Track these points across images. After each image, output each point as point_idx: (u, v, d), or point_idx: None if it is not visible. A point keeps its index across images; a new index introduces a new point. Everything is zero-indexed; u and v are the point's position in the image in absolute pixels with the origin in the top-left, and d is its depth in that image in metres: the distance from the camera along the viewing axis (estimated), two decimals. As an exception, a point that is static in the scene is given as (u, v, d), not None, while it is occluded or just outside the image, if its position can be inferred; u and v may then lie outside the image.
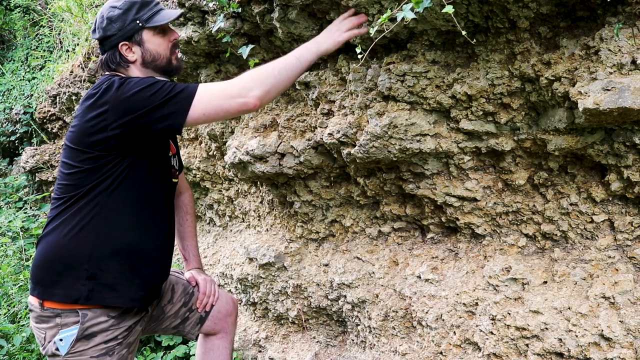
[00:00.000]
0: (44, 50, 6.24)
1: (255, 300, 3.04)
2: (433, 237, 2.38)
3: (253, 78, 1.69)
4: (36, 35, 6.55)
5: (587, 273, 1.93)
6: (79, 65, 4.05)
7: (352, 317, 2.61)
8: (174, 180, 1.99)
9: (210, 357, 2.18)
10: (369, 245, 2.57)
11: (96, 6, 4.03)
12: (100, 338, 1.76)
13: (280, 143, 2.57)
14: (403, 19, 1.69)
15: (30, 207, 5.53)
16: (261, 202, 3.06)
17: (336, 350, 2.75)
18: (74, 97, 4.20)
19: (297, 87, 2.45)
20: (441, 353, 2.17)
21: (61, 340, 1.74)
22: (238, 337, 3.13)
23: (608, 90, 1.60)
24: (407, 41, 2.04)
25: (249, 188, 3.13)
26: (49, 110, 5.16)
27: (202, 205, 3.64)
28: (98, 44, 1.89)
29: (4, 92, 6.28)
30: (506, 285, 2.05)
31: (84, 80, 3.97)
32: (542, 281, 2.01)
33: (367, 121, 2.15)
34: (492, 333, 2.03)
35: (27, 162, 5.25)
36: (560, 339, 1.88)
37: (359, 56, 1.95)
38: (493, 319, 2.03)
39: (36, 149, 5.34)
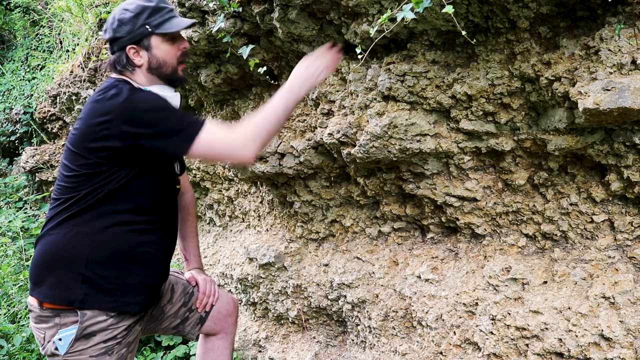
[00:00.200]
0: (44, 50, 6.24)
1: (255, 300, 3.04)
2: (433, 237, 2.38)
3: (254, 134, 1.73)
4: (36, 35, 6.55)
5: (587, 273, 1.93)
6: (79, 65, 4.05)
7: (352, 317, 2.61)
8: (177, 187, 1.99)
9: (210, 357, 2.17)
10: (369, 245, 2.57)
11: (96, 6, 4.03)
12: (99, 337, 1.76)
13: (280, 143, 2.57)
14: (403, 19, 1.69)
15: (30, 207, 5.53)
16: (261, 202, 3.06)
17: (336, 350, 2.75)
18: (74, 97, 4.20)
19: (297, 87, 2.45)
20: (441, 353, 2.17)
21: (60, 339, 1.74)
22: (238, 337, 3.13)
23: (608, 90, 1.60)
24: (407, 41, 2.04)
25: (249, 188, 3.13)
26: (49, 110, 5.15)
27: (202, 205, 3.64)
28: (108, 44, 1.89)
29: (4, 92, 6.28)
30: (506, 285, 2.05)
31: (84, 80, 3.97)
32: (542, 281, 2.01)
33: (367, 121, 2.15)
34: (492, 333, 2.03)
35: (27, 162, 5.25)
36: (560, 339, 1.88)
37: (359, 56, 1.95)
38: (493, 319, 2.03)
39: (36, 149, 5.34)
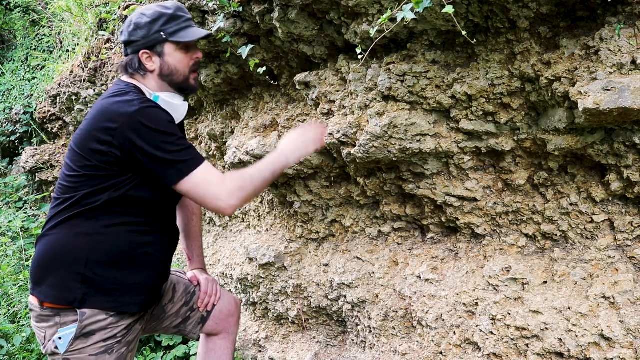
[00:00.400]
0: (44, 50, 6.24)
1: (255, 300, 3.04)
2: (433, 237, 2.38)
3: (240, 189, 1.76)
4: (36, 35, 6.55)
5: (587, 273, 1.93)
6: (79, 65, 4.05)
7: (352, 317, 2.61)
8: None
9: (211, 357, 2.17)
10: (369, 245, 2.57)
11: (96, 6, 4.03)
12: (98, 336, 1.76)
13: (280, 143, 2.57)
14: (403, 19, 1.69)
15: (30, 207, 5.53)
16: (261, 202, 3.06)
17: (336, 350, 2.75)
18: (74, 97, 4.20)
19: (297, 87, 2.45)
20: (441, 353, 2.17)
21: (60, 338, 1.75)
22: (238, 337, 3.13)
23: (608, 90, 1.60)
24: (407, 41, 2.04)
25: (249, 188, 3.13)
26: (49, 110, 5.16)
27: (202, 205, 3.64)
28: (123, 46, 1.90)
29: (4, 92, 6.28)
30: (506, 285, 2.05)
31: (84, 80, 3.97)
32: (542, 281, 2.01)
33: (367, 121, 2.15)
34: (492, 333, 2.03)
35: (27, 162, 5.25)
36: (560, 339, 1.88)
37: (359, 56, 1.96)
38: (493, 319, 2.03)
39: (36, 149, 5.34)
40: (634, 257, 1.87)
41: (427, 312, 2.23)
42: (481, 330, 2.06)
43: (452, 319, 2.16)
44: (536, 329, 1.92)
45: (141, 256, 1.82)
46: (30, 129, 5.58)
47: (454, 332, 2.15)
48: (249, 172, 1.83)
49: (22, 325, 3.51)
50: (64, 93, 4.28)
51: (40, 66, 6.14)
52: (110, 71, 3.73)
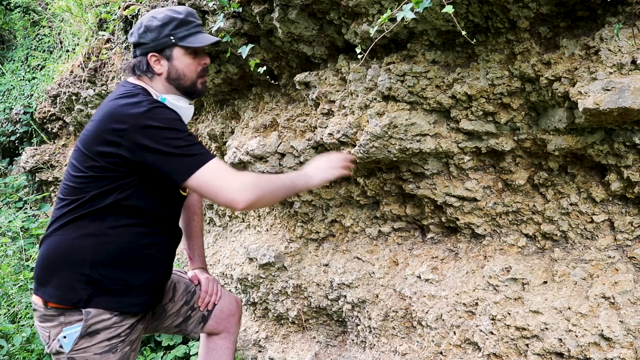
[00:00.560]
0: (44, 50, 6.24)
1: (255, 300, 3.04)
2: (433, 237, 2.38)
3: (254, 184, 1.72)
4: (36, 35, 6.55)
5: (587, 273, 1.93)
6: (79, 65, 4.05)
7: (352, 317, 2.61)
8: (183, 193, 1.99)
9: (212, 356, 2.18)
10: (369, 245, 2.57)
11: (96, 6, 4.03)
12: (103, 335, 1.77)
13: (280, 143, 2.57)
14: (403, 19, 1.69)
15: (30, 207, 5.53)
16: (261, 202, 3.06)
17: (336, 350, 2.75)
18: (74, 97, 4.20)
19: (297, 87, 2.45)
20: (441, 353, 2.17)
21: (65, 337, 1.75)
22: (238, 337, 3.12)
23: (608, 90, 1.60)
24: (407, 41, 2.04)
25: (249, 188, 3.12)
26: (49, 110, 5.16)
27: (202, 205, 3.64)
28: (132, 47, 1.90)
29: (4, 92, 6.28)
30: (506, 285, 2.05)
31: (84, 80, 3.97)
32: (542, 281, 2.01)
33: (367, 121, 2.15)
34: (492, 333, 2.03)
35: (27, 162, 5.25)
36: (560, 339, 1.88)
37: (359, 56, 1.96)
38: (493, 319, 2.03)
39: (36, 149, 5.34)
40: (634, 257, 1.87)
41: (427, 312, 2.23)
42: (481, 330, 2.06)
43: (452, 319, 2.16)
44: (536, 329, 1.92)
45: (146, 257, 1.83)
46: (30, 129, 5.58)
47: (454, 332, 2.15)
48: (267, 177, 1.82)
49: (22, 325, 3.51)
50: (64, 93, 4.28)
51: (40, 66, 6.15)
52: (111, 71, 3.73)
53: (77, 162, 1.78)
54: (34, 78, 6.06)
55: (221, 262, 3.34)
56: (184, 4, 2.49)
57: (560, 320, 1.90)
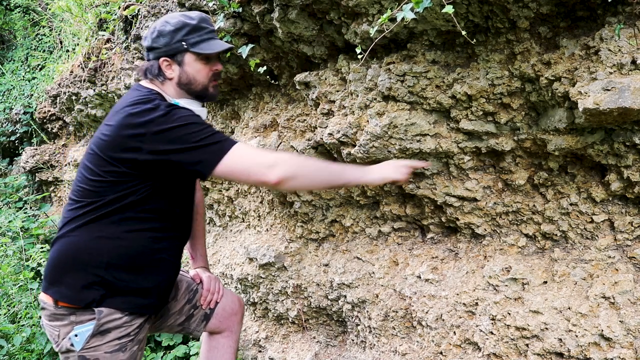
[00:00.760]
0: (44, 50, 6.24)
1: (255, 300, 3.04)
2: (433, 237, 2.38)
3: (286, 161, 1.70)
4: (36, 35, 6.55)
5: (587, 273, 1.93)
6: (79, 65, 4.05)
7: (352, 317, 2.61)
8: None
9: (214, 355, 2.19)
10: (369, 245, 2.57)
11: (96, 6, 4.03)
12: (114, 334, 1.80)
13: (280, 143, 2.57)
14: (403, 19, 1.69)
15: (30, 207, 5.52)
16: (261, 202, 3.06)
17: (336, 350, 2.75)
18: (74, 97, 4.20)
19: (297, 87, 2.45)
20: (441, 353, 2.17)
21: (76, 335, 1.77)
22: (238, 337, 3.12)
23: (608, 90, 1.60)
24: (407, 41, 2.04)
25: (249, 188, 3.13)
26: (49, 110, 5.16)
27: (202, 205, 3.64)
28: (145, 51, 1.92)
29: (4, 92, 6.28)
30: (506, 285, 2.05)
31: (84, 80, 3.97)
32: (542, 281, 2.01)
33: (367, 121, 2.15)
34: (492, 333, 2.03)
35: (27, 162, 5.25)
36: (560, 339, 1.88)
37: (359, 56, 1.96)
38: (493, 319, 2.03)
39: (36, 149, 5.34)
40: (634, 257, 1.87)
41: (427, 312, 2.23)
42: (481, 330, 2.06)
43: (452, 319, 2.16)
44: (536, 329, 1.92)
45: (158, 261, 1.86)
46: (30, 129, 5.58)
47: (454, 332, 2.15)
48: (307, 158, 1.80)
49: (22, 325, 3.51)
50: (64, 93, 4.28)
51: (40, 66, 6.15)
52: (110, 71, 3.73)
53: (94, 165, 1.78)
54: (34, 78, 6.06)
55: (221, 262, 3.34)
56: (184, 4, 2.49)
57: (560, 320, 1.90)
